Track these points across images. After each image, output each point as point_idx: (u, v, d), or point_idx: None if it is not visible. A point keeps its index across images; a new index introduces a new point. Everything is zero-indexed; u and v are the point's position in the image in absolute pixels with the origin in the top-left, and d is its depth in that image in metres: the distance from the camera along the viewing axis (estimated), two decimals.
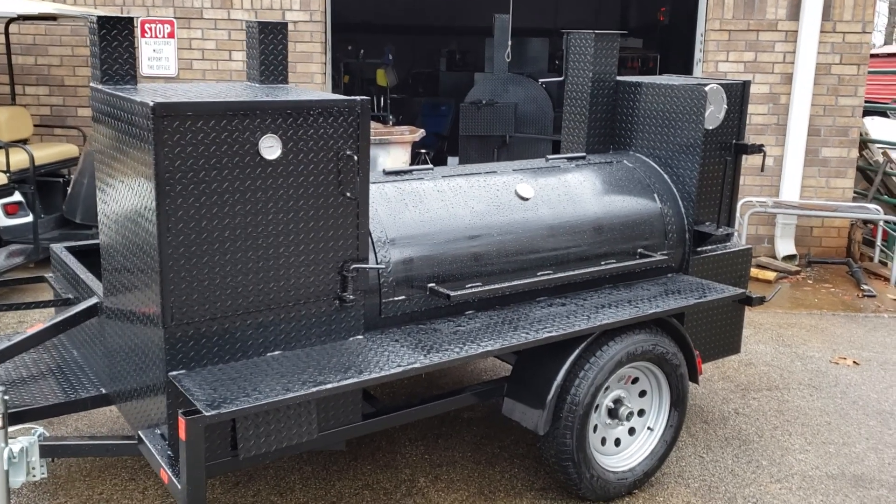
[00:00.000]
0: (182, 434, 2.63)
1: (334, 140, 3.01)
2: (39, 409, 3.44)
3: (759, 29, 7.65)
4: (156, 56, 7.72)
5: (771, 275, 7.42)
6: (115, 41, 3.13)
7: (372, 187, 3.49)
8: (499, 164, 3.98)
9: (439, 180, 3.66)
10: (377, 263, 3.27)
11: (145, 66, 7.78)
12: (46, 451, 3.18)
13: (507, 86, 9.23)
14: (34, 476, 3.18)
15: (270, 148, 2.88)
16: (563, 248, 3.81)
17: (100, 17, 3.06)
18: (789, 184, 7.83)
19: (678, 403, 3.92)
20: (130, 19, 3.13)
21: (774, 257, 7.91)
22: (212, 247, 2.84)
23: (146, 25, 7.69)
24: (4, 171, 6.39)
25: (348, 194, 3.06)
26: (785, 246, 7.94)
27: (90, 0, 7.73)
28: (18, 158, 6.53)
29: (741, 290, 4.04)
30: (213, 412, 2.60)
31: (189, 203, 2.77)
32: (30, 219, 6.54)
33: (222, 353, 2.95)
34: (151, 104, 2.65)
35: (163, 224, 2.74)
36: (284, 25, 3.42)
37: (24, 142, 7.33)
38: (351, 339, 3.20)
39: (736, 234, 6.35)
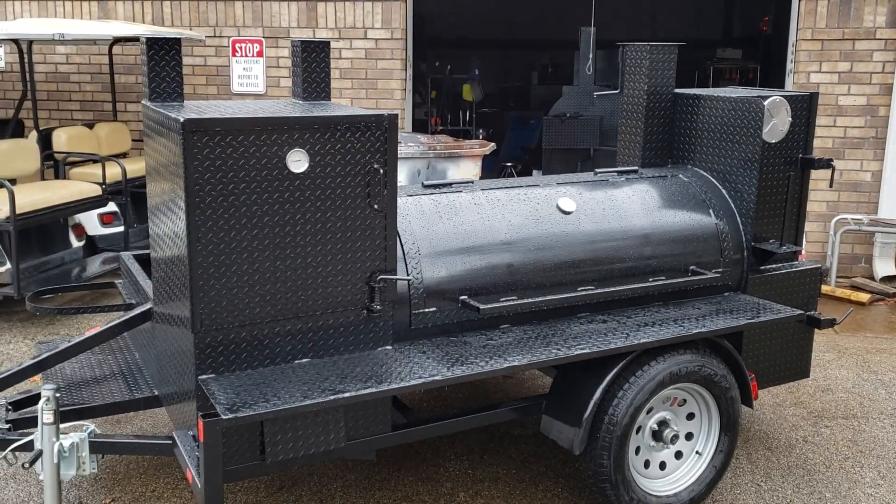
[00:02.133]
0: (200, 436, 2.74)
1: (362, 154, 3.07)
2: (97, 408, 3.65)
3: (856, 38, 7.26)
4: (245, 74, 8.06)
5: (865, 297, 7.00)
6: (162, 60, 3.30)
7: (408, 200, 3.53)
8: (543, 178, 3.94)
9: (478, 193, 3.66)
10: (407, 275, 3.30)
11: (235, 84, 8.13)
12: (95, 448, 3.37)
13: (594, 99, 9.10)
14: (84, 471, 3.36)
15: (298, 162, 2.97)
16: (606, 264, 3.74)
17: (148, 39, 3.23)
18: (889, 200, 7.38)
19: (729, 427, 3.76)
20: (177, 40, 3.29)
21: (872, 278, 7.47)
22: (240, 256, 2.94)
23: (237, 45, 8.03)
24: (100, 184, 6.81)
25: (375, 206, 3.11)
26: (884, 266, 7.48)
27: (185, 21, 8.16)
28: (114, 171, 6.95)
29: (799, 311, 3.84)
30: (231, 416, 2.69)
31: (218, 214, 2.88)
32: (122, 228, 6.94)
33: (250, 360, 3.04)
34: (181, 120, 2.78)
35: (192, 234, 2.86)
36: (326, 44, 3.51)
37: (123, 156, 7.79)
38: (379, 349, 3.24)
39: (828, 253, 5.99)
